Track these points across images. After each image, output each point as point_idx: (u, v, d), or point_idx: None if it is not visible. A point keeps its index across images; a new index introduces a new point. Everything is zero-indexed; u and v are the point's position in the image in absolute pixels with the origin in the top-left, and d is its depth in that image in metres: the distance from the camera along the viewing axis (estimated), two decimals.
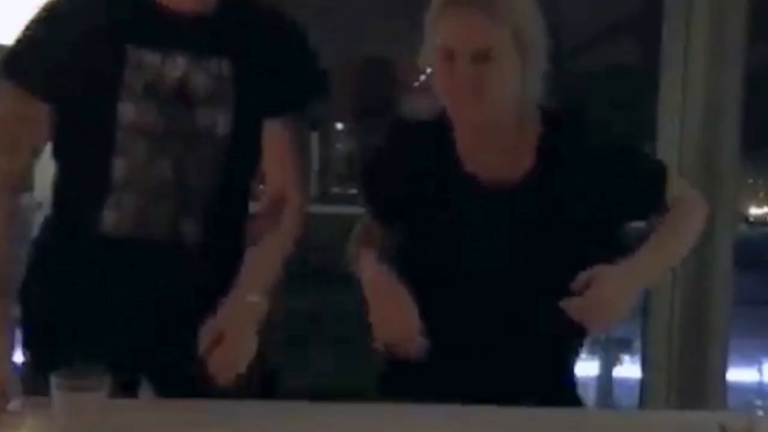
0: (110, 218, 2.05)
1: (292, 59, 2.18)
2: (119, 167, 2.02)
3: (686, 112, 3.79)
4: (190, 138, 2.05)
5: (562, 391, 2.10)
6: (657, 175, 2.05)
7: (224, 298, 2.09)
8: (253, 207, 2.35)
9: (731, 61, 3.72)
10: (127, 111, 1.99)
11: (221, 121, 2.07)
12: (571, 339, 2.08)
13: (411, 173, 2.03)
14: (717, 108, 3.77)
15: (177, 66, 2.01)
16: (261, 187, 2.39)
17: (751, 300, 5.04)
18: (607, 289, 1.83)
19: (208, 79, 2.04)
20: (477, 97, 1.93)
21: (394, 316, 1.88)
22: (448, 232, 1.98)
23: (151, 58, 1.99)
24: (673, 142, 3.84)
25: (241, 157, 2.14)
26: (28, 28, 2.07)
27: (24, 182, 2.07)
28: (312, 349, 4.41)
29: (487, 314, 1.99)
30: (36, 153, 2.09)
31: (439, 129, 2.05)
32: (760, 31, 3.76)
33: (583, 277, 1.83)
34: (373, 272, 1.95)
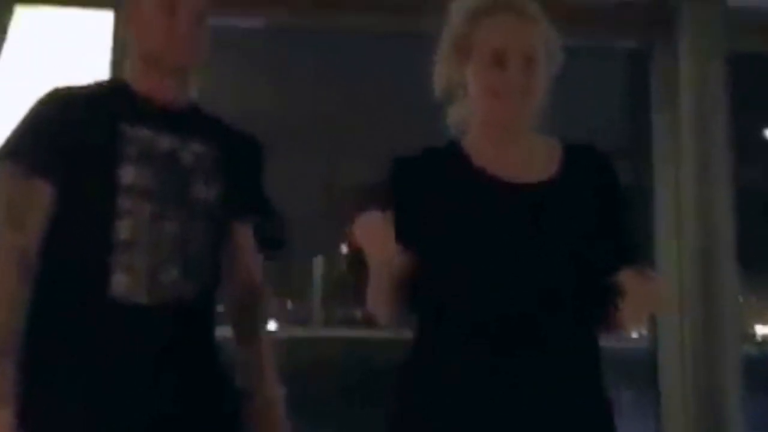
0: (120, 282, 2.08)
1: (257, 165, 2.36)
2: (124, 229, 2.09)
3: (682, 233, 3.80)
4: (188, 207, 2.16)
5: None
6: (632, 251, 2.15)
7: (257, 402, 2.23)
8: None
9: (722, 180, 3.75)
10: (125, 174, 2.10)
11: (213, 196, 2.20)
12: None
13: (429, 185, 2.08)
14: (712, 226, 3.77)
15: (166, 141, 2.16)
16: None
17: (765, 425, 4.95)
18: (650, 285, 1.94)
19: (194, 155, 2.19)
20: (525, 98, 1.98)
21: (372, 225, 1.90)
22: (467, 235, 2.03)
23: (142, 134, 2.14)
24: (671, 262, 3.83)
25: (224, 232, 2.25)
26: (28, 115, 2.17)
27: (34, 258, 2.11)
28: None
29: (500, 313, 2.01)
30: (42, 231, 2.16)
31: (451, 146, 2.11)
32: (746, 153, 3.80)
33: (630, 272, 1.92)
34: None
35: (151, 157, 2.13)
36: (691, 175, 3.58)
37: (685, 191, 3.60)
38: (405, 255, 1.93)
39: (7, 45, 3.40)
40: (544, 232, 1.96)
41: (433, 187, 2.03)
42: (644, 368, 3.91)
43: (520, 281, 1.94)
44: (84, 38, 3.45)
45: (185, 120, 2.21)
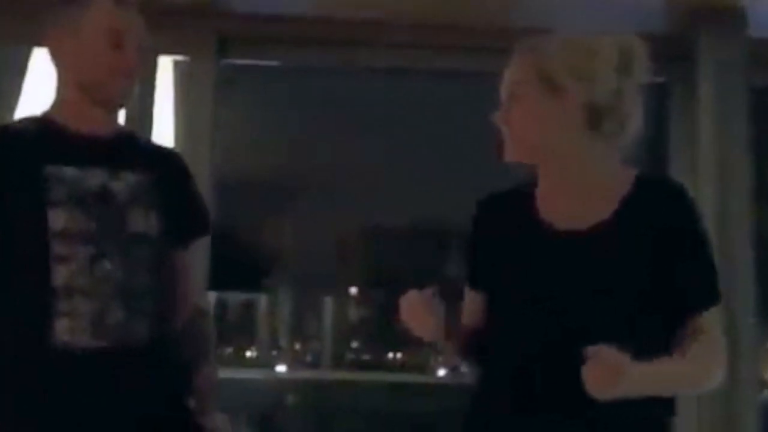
0: (63, 328, 2.06)
1: (189, 183, 2.37)
2: (62, 275, 2.08)
3: None
4: (127, 242, 2.15)
5: None
6: (711, 287, 2.02)
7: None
8: None
9: (741, 221, 3.72)
10: (56, 219, 2.09)
11: (153, 227, 2.19)
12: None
13: (499, 234, 2.09)
14: (731, 269, 3.71)
15: (96, 176, 2.15)
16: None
17: None
18: (610, 368, 1.78)
19: (126, 186, 2.18)
20: (511, 135, 2.00)
21: (414, 305, 1.99)
22: (524, 280, 2.02)
23: (70, 174, 2.13)
24: None
25: (166, 261, 2.25)
26: None
27: None
28: None
29: (549, 358, 1.96)
30: None
31: (518, 189, 2.11)
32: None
33: (595, 349, 1.80)
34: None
35: (81, 197, 2.11)
36: (709, 215, 3.52)
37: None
38: (451, 325, 2.01)
39: (25, 85, 3.48)
40: (584, 284, 1.95)
41: (496, 233, 2.08)
42: None
43: (553, 334, 1.94)
44: None
45: (114, 150, 2.20)
